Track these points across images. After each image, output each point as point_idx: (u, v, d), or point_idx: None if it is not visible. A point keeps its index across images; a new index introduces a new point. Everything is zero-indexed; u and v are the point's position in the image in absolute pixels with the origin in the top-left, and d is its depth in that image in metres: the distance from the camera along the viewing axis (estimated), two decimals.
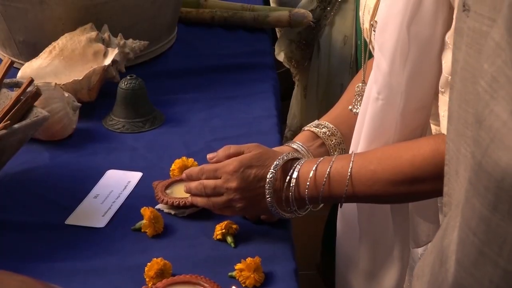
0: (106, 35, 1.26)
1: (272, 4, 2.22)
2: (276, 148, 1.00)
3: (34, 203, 1.01)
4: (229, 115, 1.23)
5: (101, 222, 0.96)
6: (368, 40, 0.97)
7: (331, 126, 1.04)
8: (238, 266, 0.85)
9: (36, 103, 1.06)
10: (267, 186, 0.89)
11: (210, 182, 0.91)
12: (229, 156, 0.93)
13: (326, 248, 2.15)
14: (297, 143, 1.01)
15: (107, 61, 1.22)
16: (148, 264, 0.84)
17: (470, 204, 0.39)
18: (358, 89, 0.99)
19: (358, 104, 0.98)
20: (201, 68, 1.41)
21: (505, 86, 0.36)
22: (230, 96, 1.29)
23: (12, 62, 1.01)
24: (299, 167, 0.90)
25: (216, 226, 0.92)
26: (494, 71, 0.37)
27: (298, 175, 0.89)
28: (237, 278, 0.84)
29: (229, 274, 0.85)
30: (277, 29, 2.34)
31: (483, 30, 0.54)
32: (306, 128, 1.06)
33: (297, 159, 0.92)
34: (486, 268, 0.39)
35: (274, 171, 0.89)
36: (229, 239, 0.91)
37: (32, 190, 1.04)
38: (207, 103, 1.27)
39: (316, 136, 1.03)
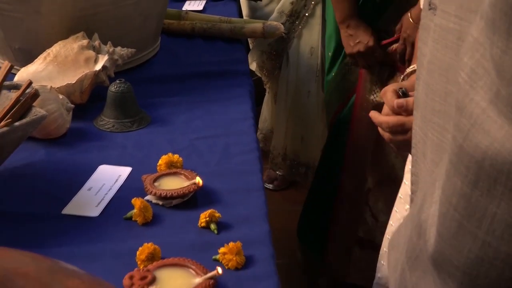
0: (96, 43, 1.26)
1: (245, 18, 2.25)
2: None
3: (32, 195, 1.01)
4: (209, 117, 1.24)
5: (95, 211, 0.96)
6: None
7: None
8: (222, 250, 0.86)
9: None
10: None
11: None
12: None
13: (302, 239, 2.15)
14: None
15: (98, 67, 1.23)
16: (140, 248, 0.85)
17: (452, 182, 0.40)
18: None
19: None
20: (183, 74, 1.42)
21: (483, 77, 0.37)
22: (209, 99, 1.31)
23: (11, 66, 1.01)
24: None
25: (201, 215, 0.93)
26: (473, 64, 0.38)
27: None
28: (220, 260, 0.85)
29: (213, 257, 0.86)
30: (249, 41, 2.37)
31: (449, 27, 0.56)
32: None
33: None
34: (466, 239, 0.39)
35: None
36: (212, 226, 0.92)
37: (30, 184, 1.04)
38: (189, 106, 1.28)
39: None
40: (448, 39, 0.56)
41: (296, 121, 2.37)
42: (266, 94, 2.50)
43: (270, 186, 2.53)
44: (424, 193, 0.49)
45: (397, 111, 0.96)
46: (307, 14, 2.23)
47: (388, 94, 0.99)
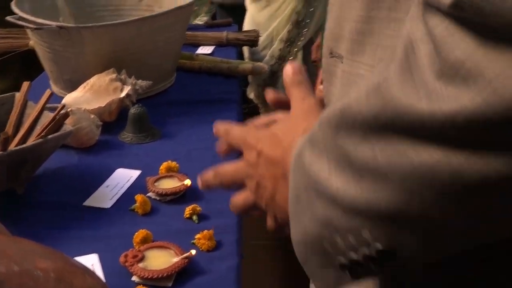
0: (123, 76, 1.22)
1: (246, 59, 2.20)
2: None
3: (64, 189, 0.97)
4: (205, 133, 1.19)
5: (108, 204, 0.92)
6: None
7: None
8: (197, 236, 0.81)
9: (70, 122, 1.02)
10: None
11: None
12: None
13: None
14: None
15: (123, 94, 1.19)
16: (136, 233, 0.81)
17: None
18: None
19: None
20: (189, 101, 1.37)
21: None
22: (206, 120, 1.24)
23: (51, 94, 0.97)
24: None
25: (186, 208, 0.88)
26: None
27: None
28: (196, 244, 0.81)
29: (191, 241, 0.82)
30: (249, 77, 2.32)
31: (360, 73, 0.46)
32: None
33: None
34: None
35: None
36: (194, 217, 0.87)
37: (64, 181, 1.00)
38: (190, 124, 1.24)
39: None
40: (357, 82, 0.46)
41: None
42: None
43: None
44: None
45: None
46: (291, 58, 2.18)
47: None
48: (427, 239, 0.32)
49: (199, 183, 0.60)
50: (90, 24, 1.19)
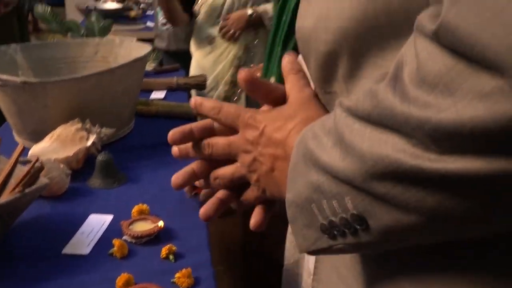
0: (88, 126, 1.25)
1: None
2: None
3: (39, 240, 0.97)
4: (169, 176, 1.21)
5: (86, 250, 0.93)
6: None
7: None
8: (177, 275, 0.84)
9: (41, 173, 1.03)
10: None
11: None
12: None
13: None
14: None
15: (89, 143, 1.21)
16: (118, 277, 0.83)
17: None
18: None
19: None
20: (149, 144, 1.41)
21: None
22: (167, 162, 1.29)
23: (24, 148, 0.98)
24: None
25: (162, 249, 0.92)
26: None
27: None
28: (176, 283, 0.84)
29: (171, 280, 0.85)
30: (198, 118, 2.38)
31: None
32: None
33: None
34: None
35: None
36: (170, 257, 0.91)
37: (38, 231, 1.00)
38: (154, 167, 1.27)
39: None
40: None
41: None
42: None
43: None
44: None
45: None
46: (235, 99, 2.27)
47: None
48: (394, 218, 0.36)
49: (175, 151, 0.61)
50: (53, 79, 1.21)
